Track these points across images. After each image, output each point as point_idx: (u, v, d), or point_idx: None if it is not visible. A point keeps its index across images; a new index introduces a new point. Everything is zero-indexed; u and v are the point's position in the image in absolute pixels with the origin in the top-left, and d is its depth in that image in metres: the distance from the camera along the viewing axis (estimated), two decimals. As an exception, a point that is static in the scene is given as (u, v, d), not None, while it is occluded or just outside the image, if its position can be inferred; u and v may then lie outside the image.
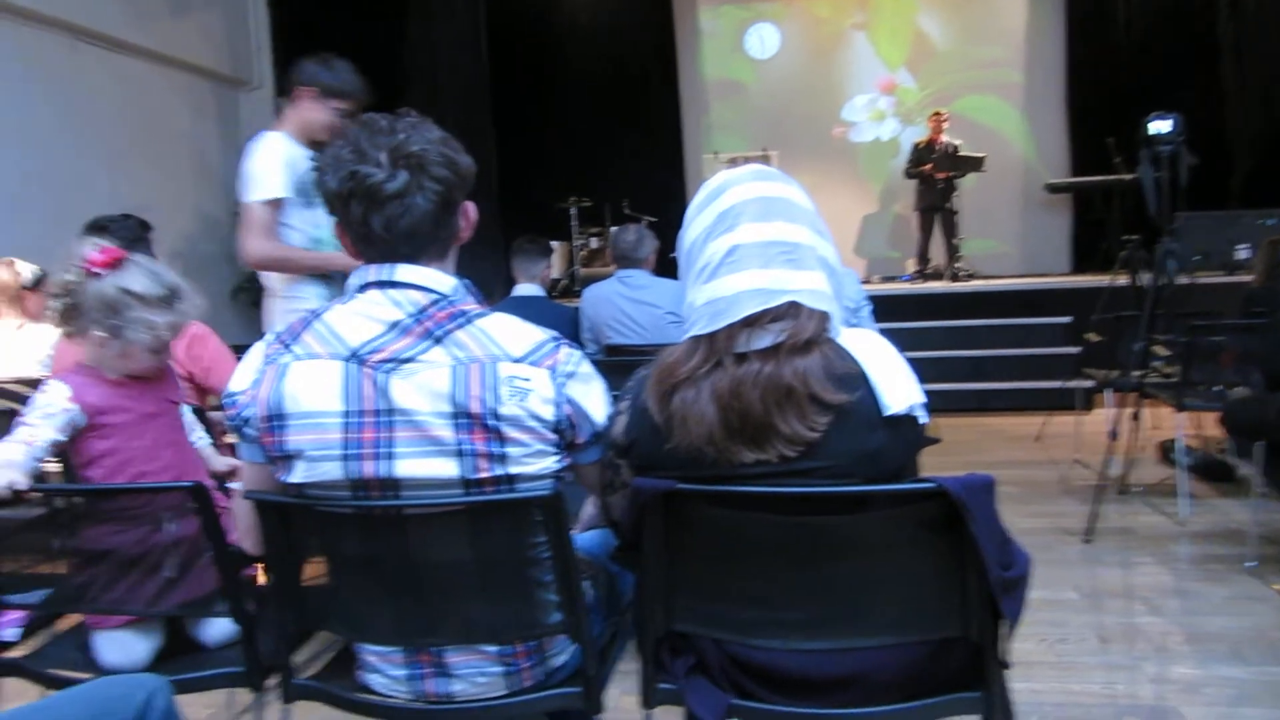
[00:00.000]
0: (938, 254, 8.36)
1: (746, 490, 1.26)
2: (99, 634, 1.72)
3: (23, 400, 3.26)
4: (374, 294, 1.35)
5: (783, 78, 9.71)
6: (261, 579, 1.72)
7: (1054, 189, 8.68)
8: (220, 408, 1.75)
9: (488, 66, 9.46)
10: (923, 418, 1.31)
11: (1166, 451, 4.63)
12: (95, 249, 1.75)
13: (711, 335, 1.29)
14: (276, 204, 2.76)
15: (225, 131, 8.40)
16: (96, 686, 1.29)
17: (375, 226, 1.33)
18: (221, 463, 2.00)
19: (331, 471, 1.33)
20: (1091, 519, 3.63)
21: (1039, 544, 3.51)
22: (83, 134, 6.55)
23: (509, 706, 1.43)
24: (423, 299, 1.34)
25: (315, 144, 2.83)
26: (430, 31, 9.00)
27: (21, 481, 1.56)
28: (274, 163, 2.75)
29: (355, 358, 1.32)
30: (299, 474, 1.34)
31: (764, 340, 1.26)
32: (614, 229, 8.25)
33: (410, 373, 1.30)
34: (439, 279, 1.36)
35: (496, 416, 1.30)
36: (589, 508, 1.87)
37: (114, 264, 1.74)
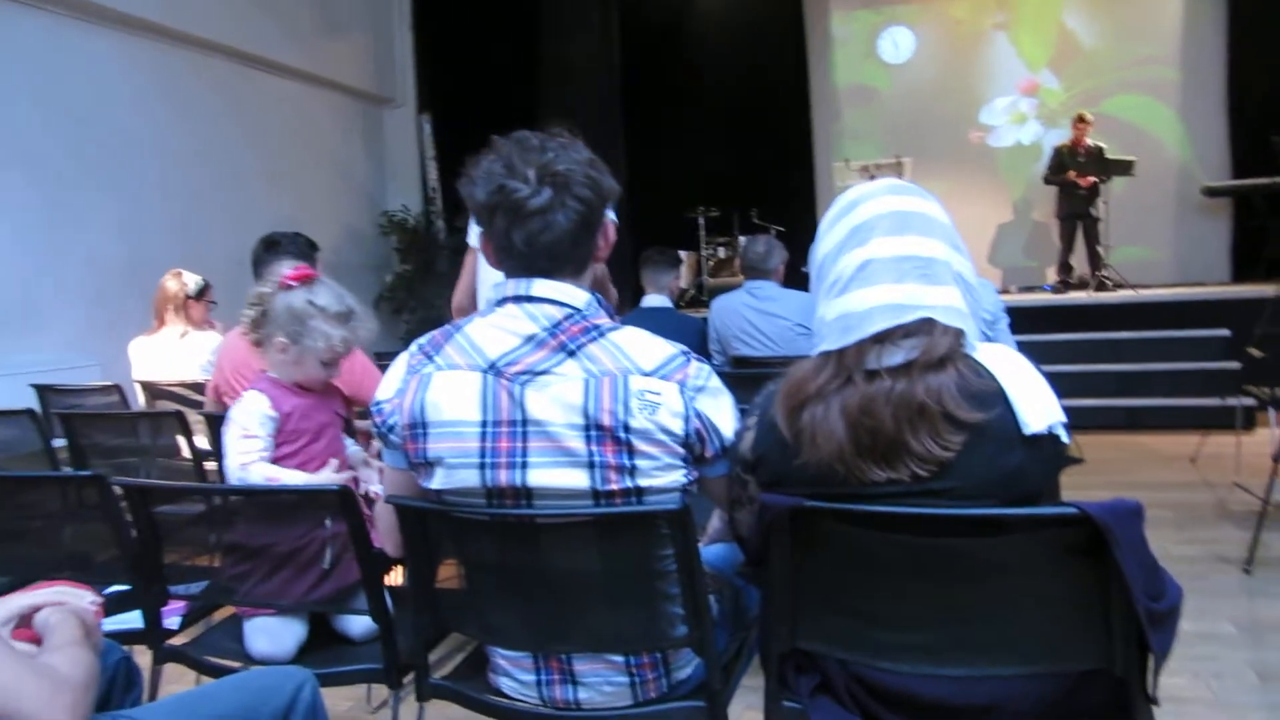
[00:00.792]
0: (1080, 263, 7.98)
1: (877, 509, 1.23)
2: (249, 623, 1.84)
3: (187, 403, 3.51)
4: (511, 308, 1.40)
5: (917, 82, 9.46)
6: (397, 579, 1.82)
7: (1212, 192, 8.16)
8: (365, 416, 1.86)
9: (619, 78, 9.60)
10: (1064, 437, 1.26)
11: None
12: (291, 268, 1.99)
13: (842, 351, 1.27)
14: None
15: (370, 147, 8.83)
16: (251, 676, 1.39)
17: (517, 240, 1.37)
18: (368, 473, 2.12)
19: (469, 479, 1.37)
20: (1252, 547, 3.39)
21: (1193, 572, 3.31)
22: (248, 151, 7.03)
23: (633, 717, 1.45)
24: (557, 313, 1.38)
25: None
26: (563, 45, 9.21)
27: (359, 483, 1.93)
28: None
29: (493, 369, 1.36)
30: (439, 480, 1.40)
31: (896, 357, 1.24)
32: (743, 239, 8.23)
33: (545, 385, 1.34)
34: (573, 294, 1.40)
35: (627, 429, 1.32)
36: (715, 520, 1.87)
37: (305, 280, 1.96)
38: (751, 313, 3.77)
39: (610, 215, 1.47)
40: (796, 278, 4.13)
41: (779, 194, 9.28)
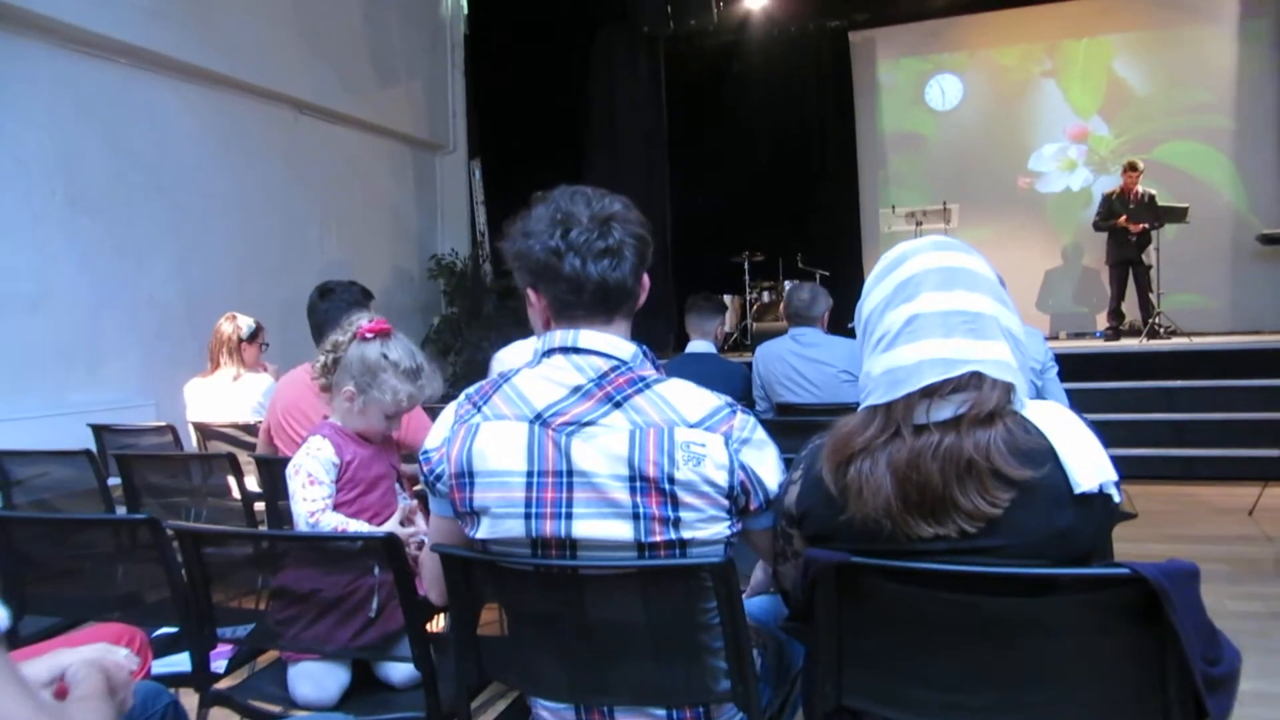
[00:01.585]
0: (1131, 309, 7.86)
1: (924, 567, 1.22)
2: (294, 668, 1.86)
3: (239, 444, 3.58)
4: (558, 359, 1.42)
5: (965, 129, 9.46)
6: (438, 626, 1.83)
7: (1269, 240, 8.01)
8: (411, 460, 1.89)
9: (665, 122, 9.73)
10: (1116, 496, 1.24)
11: None
12: (368, 319, 2.04)
13: (889, 405, 1.26)
14: None
15: (422, 192, 9.01)
16: (297, 724, 1.40)
17: (591, 276, 1.38)
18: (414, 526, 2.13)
19: (514, 529, 1.38)
20: (1315, 605, 3.28)
21: (1252, 629, 3.20)
22: (303, 196, 7.21)
23: (676, 771, 1.43)
24: (604, 365, 1.39)
25: None
26: (611, 92, 9.37)
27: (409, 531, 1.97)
28: None
29: (539, 420, 1.38)
30: (484, 530, 1.41)
31: (944, 411, 1.23)
32: (788, 285, 8.23)
33: (590, 435, 1.35)
34: (619, 345, 1.41)
35: (671, 481, 1.32)
36: (759, 571, 1.86)
37: (382, 333, 2.03)
38: (797, 359, 3.76)
39: None
40: (841, 324, 4.12)
41: (824, 239, 9.31)
